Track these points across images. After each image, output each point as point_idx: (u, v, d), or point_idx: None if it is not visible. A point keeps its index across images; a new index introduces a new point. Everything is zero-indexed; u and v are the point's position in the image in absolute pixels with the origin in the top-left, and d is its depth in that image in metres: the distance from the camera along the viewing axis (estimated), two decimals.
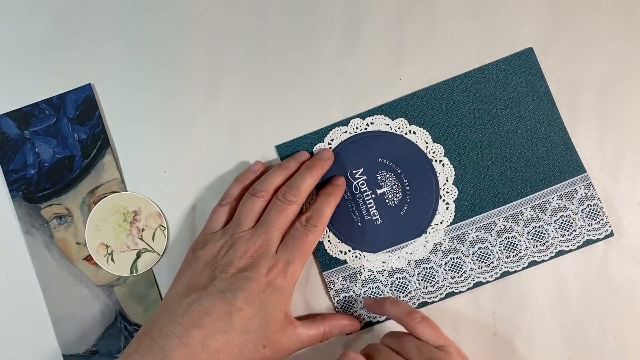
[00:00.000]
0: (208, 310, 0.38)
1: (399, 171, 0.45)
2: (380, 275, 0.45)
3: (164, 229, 0.47)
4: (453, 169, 0.45)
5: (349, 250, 0.45)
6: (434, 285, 0.45)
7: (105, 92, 0.47)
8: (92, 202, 0.47)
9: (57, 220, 0.47)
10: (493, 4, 0.46)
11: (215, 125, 0.47)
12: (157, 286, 0.47)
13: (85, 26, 0.48)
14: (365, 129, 0.46)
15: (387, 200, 0.45)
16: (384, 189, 0.45)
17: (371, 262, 0.45)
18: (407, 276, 0.45)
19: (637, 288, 0.44)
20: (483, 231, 0.45)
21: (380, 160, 0.45)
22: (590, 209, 0.44)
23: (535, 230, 0.44)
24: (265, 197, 0.43)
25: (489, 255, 0.45)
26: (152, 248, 0.47)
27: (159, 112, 0.47)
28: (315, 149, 0.46)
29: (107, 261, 0.46)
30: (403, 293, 0.45)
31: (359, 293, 0.45)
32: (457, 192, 0.45)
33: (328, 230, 0.45)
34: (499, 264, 0.44)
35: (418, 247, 0.45)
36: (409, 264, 0.45)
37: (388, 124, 0.46)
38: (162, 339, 0.38)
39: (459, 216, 0.45)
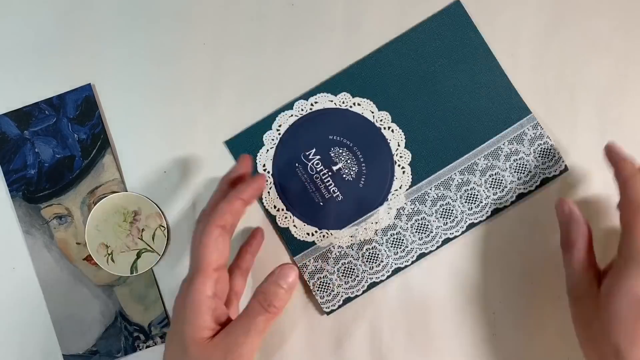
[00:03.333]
0: None
1: (351, 145, 0.45)
2: (350, 249, 0.45)
3: (164, 229, 0.47)
4: (403, 133, 0.45)
5: (316, 231, 0.45)
6: (404, 250, 0.45)
7: (105, 92, 0.47)
8: (92, 202, 0.47)
9: (57, 220, 0.47)
10: None
11: (215, 125, 0.47)
12: (157, 286, 0.47)
13: (85, 26, 0.48)
14: (311, 109, 0.46)
15: (344, 175, 0.45)
16: (340, 165, 0.45)
17: (339, 239, 0.45)
18: (377, 245, 0.45)
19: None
20: (442, 188, 0.45)
21: (331, 137, 0.46)
22: (541, 148, 0.45)
23: (493, 178, 0.45)
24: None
25: (452, 210, 0.45)
26: (152, 248, 0.47)
27: (159, 112, 0.47)
28: (264, 137, 0.46)
29: (107, 261, 0.46)
30: (375, 263, 0.45)
31: (332, 271, 0.45)
32: (410, 155, 0.45)
33: (292, 216, 0.46)
34: (462, 217, 0.45)
35: (382, 215, 0.45)
36: (376, 233, 0.45)
37: (332, 100, 0.46)
38: None
39: (417, 178, 0.45)
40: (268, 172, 0.46)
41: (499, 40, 0.46)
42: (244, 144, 0.46)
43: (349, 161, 0.45)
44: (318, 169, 0.45)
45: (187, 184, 0.47)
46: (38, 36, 0.48)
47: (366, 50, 0.47)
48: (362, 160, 0.45)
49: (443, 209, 0.45)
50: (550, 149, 0.45)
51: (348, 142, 0.45)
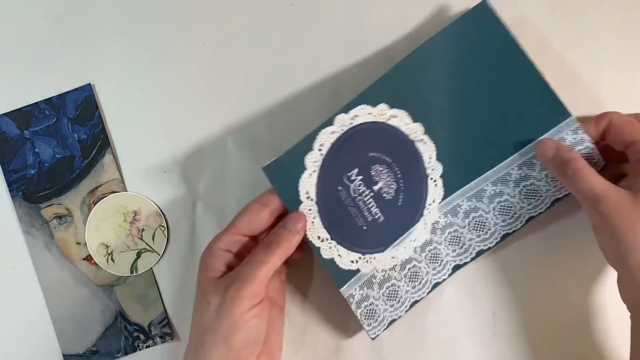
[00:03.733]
0: None
1: (390, 161, 0.43)
2: (393, 271, 0.43)
3: (164, 229, 0.47)
4: (434, 145, 0.43)
5: (360, 258, 0.43)
6: (440, 263, 0.44)
7: (105, 92, 0.47)
8: (92, 202, 0.47)
9: (57, 220, 0.47)
10: None
11: (215, 125, 0.47)
12: (157, 286, 0.47)
13: (85, 26, 0.48)
14: (351, 124, 0.43)
15: (384, 195, 0.43)
16: (380, 184, 0.43)
17: (382, 262, 0.43)
18: (416, 263, 0.44)
19: None
20: (474, 200, 0.43)
21: (371, 154, 0.43)
22: (582, 154, 0.41)
23: (527, 189, 0.43)
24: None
25: (484, 222, 0.44)
26: (152, 248, 0.47)
27: (159, 112, 0.47)
28: (306, 160, 0.42)
29: (107, 261, 0.46)
30: (417, 281, 0.44)
31: (377, 297, 0.43)
32: (441, 167, 0.43)
33: (337, 245, 0.43)
34: (496, 229, 0.44)
35: (419, 232, 0.44)
36: (415, 250, 0.44)
37: (371, 113, 0.43)
38: None
39: (448, 190, 0.43)
40: (311, 200, 0.42)
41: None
42: (286, 169, 0.42)
43: (388, 179, 0.43)
44: (360, 191, 0.43)
45: (187, 184, 0.47)
46: (38, 36, 0.48)
47: (366, 50, 0.47)
48: (399, 176, 0.43)
49: (476, 221, 0.44)
50: (591, 154, 0.41)
51: (387, 159, 0.43)
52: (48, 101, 0.47)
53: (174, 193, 0.47)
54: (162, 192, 0.47)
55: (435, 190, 0.43)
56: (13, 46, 0.48)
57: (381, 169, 0.43)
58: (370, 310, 0.43)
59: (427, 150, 0.43)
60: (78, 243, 0.47)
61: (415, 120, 0.43)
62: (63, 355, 0.46)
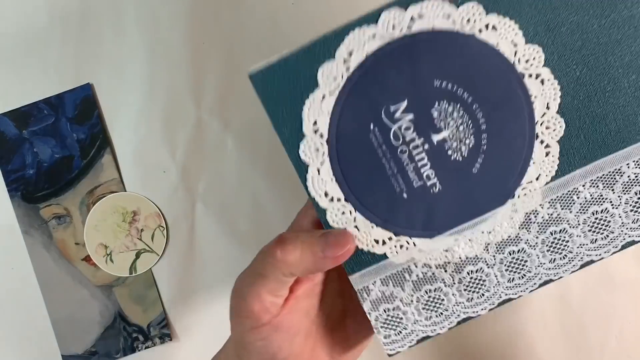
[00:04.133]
0: None
1: (470, 100, 0.28)
2: (442, 271, 0.30)
3: (163, 230, 0.47)
4: (559, 88, 0.28)
5: (390, 238, 0.30)
6: (524, 276, 0.30)
7: (104, 92, 0.47)
8: (91, 202, 0.47)
9: (56, 220, 0.47)
10: None
11: (215, 125, 0.47)
12: (156, 286, 0.47)
13: (85, 26, 0.48)
14: (409, 28, 0.28)
15: (449, 152, 0.29)
16: (445, 133, 0.29)
17: (427, 253, 0.30)
18: (485, 267, 0.30)
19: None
20: (601, 186, 0.29)
21: (437, 83, 0.28)
22: None
23: None
24: None
25: (609, 222, 0.30)
26: (151, 248, 0.46)
27: (159, 112, 0.47)
28: (321, 72, 0.28)
29: (106, 261, 0.46)
30: (478, 293, 0.30)
31: (408, 301, 0.30)
32: (563, 126, 0.29)
33: (354, 210, 0.29)
34: (621, 232, 0.29)
35: (501, 222, 0.29)
36: (486, 248, 0.30)
37: (449, 15, 0.27)
38: None
39: (566, 166, 0.29)
40: (320, 136, 0.29)
41: None
42: (283, 80, 0.29)
43: (461, 128, 0.28)
44: (407, 137, 0.29)
45: (187, 184, 0.47)
46: (37, 35, 0.48)
47: None
48: (483, 128, 0.28)
49: (596, 219, 0.30)
50: None
51: (465, 95, 0.28)
52: (47, 101, 0.47)
53: (173, 193, 0.47)
54: (161, 192, 0.47)
55: (545, 161, 0.29)
56: (12, 46, 0.48)
57: (451, 109, 0.28)
58: (393, 316, 0.31)
59: (546, 93, 0.28)
60: (77, 243, 0.47)
61: (530, 40, 0.28)
62: (62, 355, 0.46)
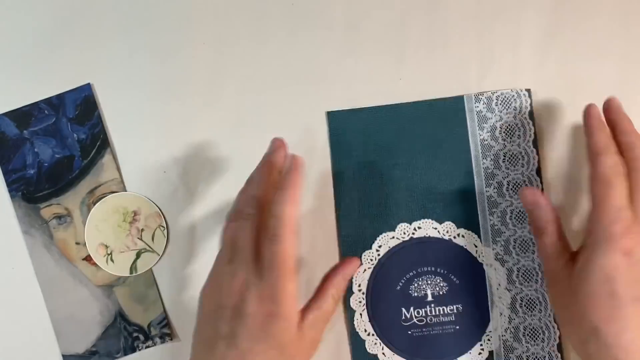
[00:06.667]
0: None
1: (453, 278, 0.44)
2: None
3: (164, 229, 0.47)
4: (505, 273, 0.44)
5: None
6: None
7: (104, 92, 0.47)
8: (91, 202, 0.47)
9: (56, 220, 0.47)
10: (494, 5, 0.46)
11: (215, 125, 0.47)
12: (157, 286, 0.47)
13: (85, 26, 0.48)
14: (413, 234, 0.45)
15: (440, 308, 0.44)
16: (437, 297, 0.44)
17: None
18: None
19: None
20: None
21: (432, 268, 0.45)
22: None
23: None
24: (252, 219, 0.39)
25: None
26: (151, 248, 0.46)
27: (159, 112, 0.47)
28: (363, 256, 0.45)
29: (107, 261, 0.46)
30: None
31: None
32: (510, 297, 0.44)
33: (382, 343, 0.45)
34: None
35: (473, 356, 0.44)
36: None
37: (436, 228, 0.45)
38: None
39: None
40: (362, 293, 0.45)
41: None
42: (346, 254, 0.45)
43: (446, 294, 0.44)
44: (415, 297, 0.44)
45: (187, 184, 0.47)
46: (37, 35, 0.48)
47: (366, 49, 0.46)
48: (460, 295, 0.44)
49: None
50: None
51: (449, 275, 0.44)
52: (47, 101, 0.47)
53: (173, 193, 0.47)
54: (161, 192, 0.47)
55: (500, 319, 0.44)
56: (12, 46, 0.48)
57: (441, 283, 0.44)
58: None
59: (498, 276, 0.44)
60: (77, 243, 0.47)
61: (485, 244, 0.44)
62: (62, 355, 0.46)
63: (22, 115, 0.47)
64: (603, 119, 0.40)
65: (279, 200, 0.37)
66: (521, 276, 0.44)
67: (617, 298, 0.35)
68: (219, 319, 0.37)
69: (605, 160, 0.37)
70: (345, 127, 0.46)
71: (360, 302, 0.45)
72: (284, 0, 0.47)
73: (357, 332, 0.45)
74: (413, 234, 0.45)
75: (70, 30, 0.48)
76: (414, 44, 0.47)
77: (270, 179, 0.40)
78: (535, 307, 0.44)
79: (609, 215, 0.36)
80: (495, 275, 0.44)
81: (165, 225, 0.47)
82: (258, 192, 0.39)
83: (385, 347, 0.44)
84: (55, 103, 0.47)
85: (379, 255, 0.45)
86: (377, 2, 0.47)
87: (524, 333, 0.44)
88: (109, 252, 0.46)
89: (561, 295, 0.38)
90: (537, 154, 0.45)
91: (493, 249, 0.44)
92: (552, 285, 0.39)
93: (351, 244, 0.45)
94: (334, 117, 0.46)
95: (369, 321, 0.45)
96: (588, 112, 0.40)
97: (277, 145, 0.42)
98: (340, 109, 0.46)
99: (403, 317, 0.44)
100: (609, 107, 0.40)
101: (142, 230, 0.47)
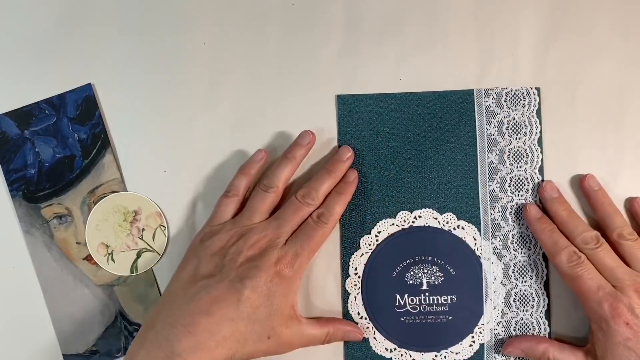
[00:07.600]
0: (216, 298, 0.39)
1: (450, 269, 0.45)
2: None
3: (164, 229, 0.47)
4: (502, 267, 0.44)
5: (395, 349, 0.45)
6: None
7: (105, 92, 0.47)
8: (92, 202, 0.47)
9: (57, 220, 0.47)
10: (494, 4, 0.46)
11: (215, 124, 0.47)
12: (157, 286, 0.47)
13: (85, 26, 0.48)
14: (413, 222, 0.45)
15: (435, 297, 0.44)
16: (432, 286, 0.44)
17: None
18: None
19: None
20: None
21: (430, 257, 0.45)
22: None
23: None
24: (276, 193, 0.43)
25: None
26: (152, 248, 0.47)
27: (159, 112, 0.47)
28: (361, 240, 0.45)
29: (107, 261, 0.46)
30: None
31: None
32: (504, 292, 0.44)
33: (374, 327, 0.45)
34: None
35: (464, 348, 0.44)
36: None
37: (436, 218, 0.45)
38: (166, 330, 0.38)
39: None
40: (358, 277, 0.45)
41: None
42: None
43: (442, 285, 0.44)
44: (410, 285, 0.45)
45: (187, 183, 0.47)
46: (38, 35, 0.48)
47: (366, 50, 0.47)
48: (455, 286, 0.44)
49: None
50: None
51: (446, 266, 0.45)
52: (48, 101, 0.47)
53: (174, 193, 0.47)
54: (162, 192, 0.47)
55: (493, 313, 0.44)
56: (13, 46, 0.48)
57: (437, 273, 0.45)
58: None
59: (494, 271, 0.44)
60: (78, 243, 0.47)
61: (484, 237, 0.45)
62: (63, 355, 0.46)
63: (23, 115, 0.47)
64: (539, 212, 0.43)
65: (336, 200, 0.43)
66: (517, 272, 0.44)
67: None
68: (225, 263, 0.41)
69: (561, 259, 0.41)
70: (353, 111, 0.46)
71: (355, 285, 0.45)
72: (283, 0, 0.47)
73: (351, 315, 0.45)
74: (413, 222, 0.45)
75: (71, 30, 0.48)
76: (413, 44, 0.47)
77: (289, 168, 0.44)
78: (528, 302, 0.44)
79: (593, 302, 0.40)
80: (491, 269, 0.44)
81: (165, 225, 0.47)
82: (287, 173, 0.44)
83: (377, 332, 0.45)
84: (56, 103, 0.47)
85: (377, 240, 0.45)
86: (377, 2, 0.47)
87: (515, 327, 0.44)
88: (109, 252, 0.46)
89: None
90: (541, 152, 0.45)
91: (492, 243, 0.45)
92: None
93: (351, 228, 0.45)
94: (343, 101, 0.46)
95: (362, 304, 0.45)
96: (526, 214, 0.44)
97: (306, 137, 0.45)
98: (351, 94, 0.46)
99: (397, 304, 0.45)
100: (587, 186, 0.44)
101: (143, 229, 0.47)
